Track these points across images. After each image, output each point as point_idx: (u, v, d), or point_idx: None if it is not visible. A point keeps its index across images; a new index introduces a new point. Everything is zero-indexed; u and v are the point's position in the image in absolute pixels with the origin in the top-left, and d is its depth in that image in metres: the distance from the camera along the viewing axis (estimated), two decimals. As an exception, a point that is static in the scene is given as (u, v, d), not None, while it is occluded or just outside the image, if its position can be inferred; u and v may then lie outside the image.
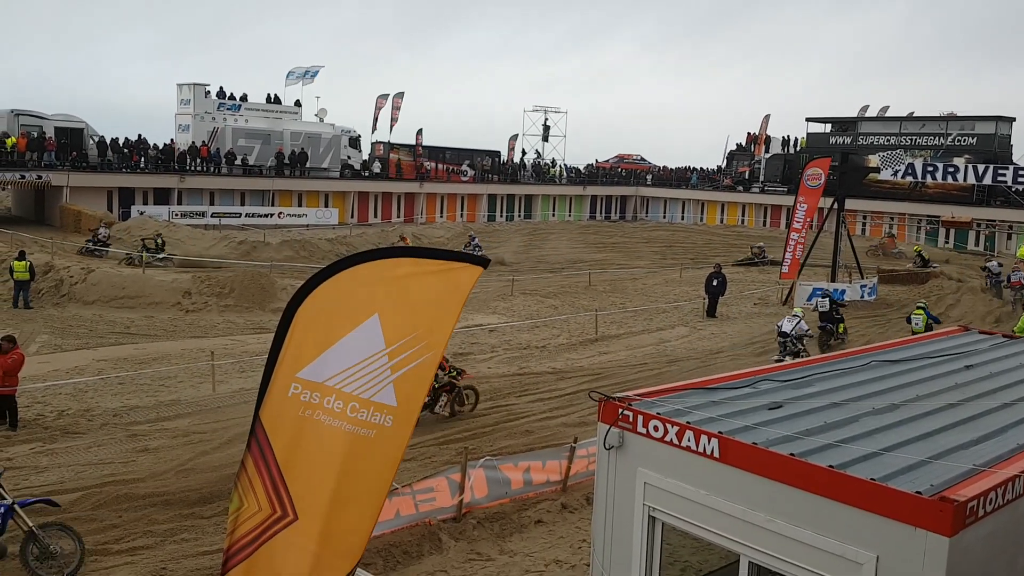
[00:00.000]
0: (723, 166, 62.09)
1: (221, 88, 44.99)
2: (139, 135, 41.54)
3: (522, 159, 59.83)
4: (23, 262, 23.11)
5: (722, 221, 55.99)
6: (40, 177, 36.18)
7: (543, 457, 11.83)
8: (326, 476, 5.65)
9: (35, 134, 37.15)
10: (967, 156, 46.40)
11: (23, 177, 35.96)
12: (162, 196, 40.13)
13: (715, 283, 26.19)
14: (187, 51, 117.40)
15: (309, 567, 5.64)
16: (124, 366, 18.09)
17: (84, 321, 22.22)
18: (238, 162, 43.05)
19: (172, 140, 43.00)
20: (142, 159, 40.44)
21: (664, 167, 64.49)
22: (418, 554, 9.74)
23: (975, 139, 47.70)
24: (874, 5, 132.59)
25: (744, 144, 61.12)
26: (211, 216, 40.22)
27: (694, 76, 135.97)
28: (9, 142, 36.33)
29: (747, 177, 57.67)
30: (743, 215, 55.70)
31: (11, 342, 14.01)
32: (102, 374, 17.03)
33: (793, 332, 19.20)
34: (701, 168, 63.36)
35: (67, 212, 35.40)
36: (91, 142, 39.25)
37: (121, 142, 40.40)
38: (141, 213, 37.89)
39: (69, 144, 38.29)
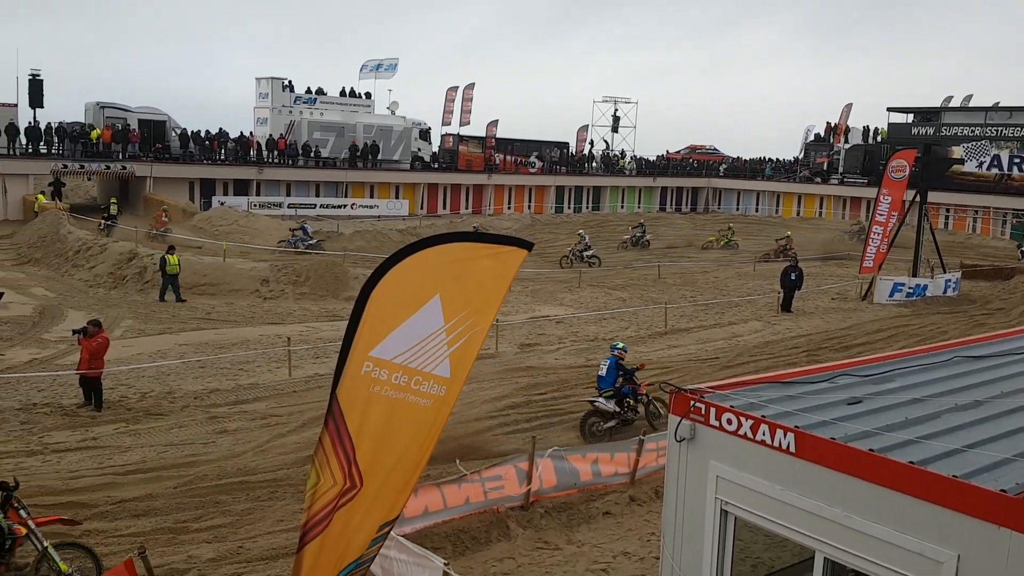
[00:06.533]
0: (800, 157, 60.62)
1: (290, 82, 45.85)
2: (220, 128, 42.78)
3: (590, 150, 59.46)
4: (174, 256, 23.68)
5: (799, 213, 54.68)
6: (124, 168, 37.52)
7: (611, 449, 11.80)
8: (391, 445, 6.20)
9: (119, 126, 38.48)
10: (1057, 146, 44.43)
11: (108, 168, 37.32)
12: (241, 187, 41.21)
13: (792, 276, 25.60)
14: (277, 50, 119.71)
15: (360, 522, 6.25)
16: (205, 350, 18.66)
17: (167, 307, 23.01)
18: (313, 154, 43.96)
19: (251, 133, 44.09)
20: (222, 151, 41.61)
21: (738, 158, 63.27)
22: (486, 540, 9.83)
23: (1065, 128, 45.54)
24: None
25: (823, 134, 59.55)
26: (287, 207, 41.19)
27: (779, 68, 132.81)
28: (94, 134, 37.77)
29: (825, 168, 56.15)
30: (820, 207, 54.29)
31: (97, 326, 14.63)
32: (184, 358, 17.61)
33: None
34: (777, 159, 61.94)
35: (151, 202, 36.61)
36: (173, 134, 40.52)
37: (202, 135, 41.64)
38: (222, 203, 38.96)
39: (152, 136, 39.62)
